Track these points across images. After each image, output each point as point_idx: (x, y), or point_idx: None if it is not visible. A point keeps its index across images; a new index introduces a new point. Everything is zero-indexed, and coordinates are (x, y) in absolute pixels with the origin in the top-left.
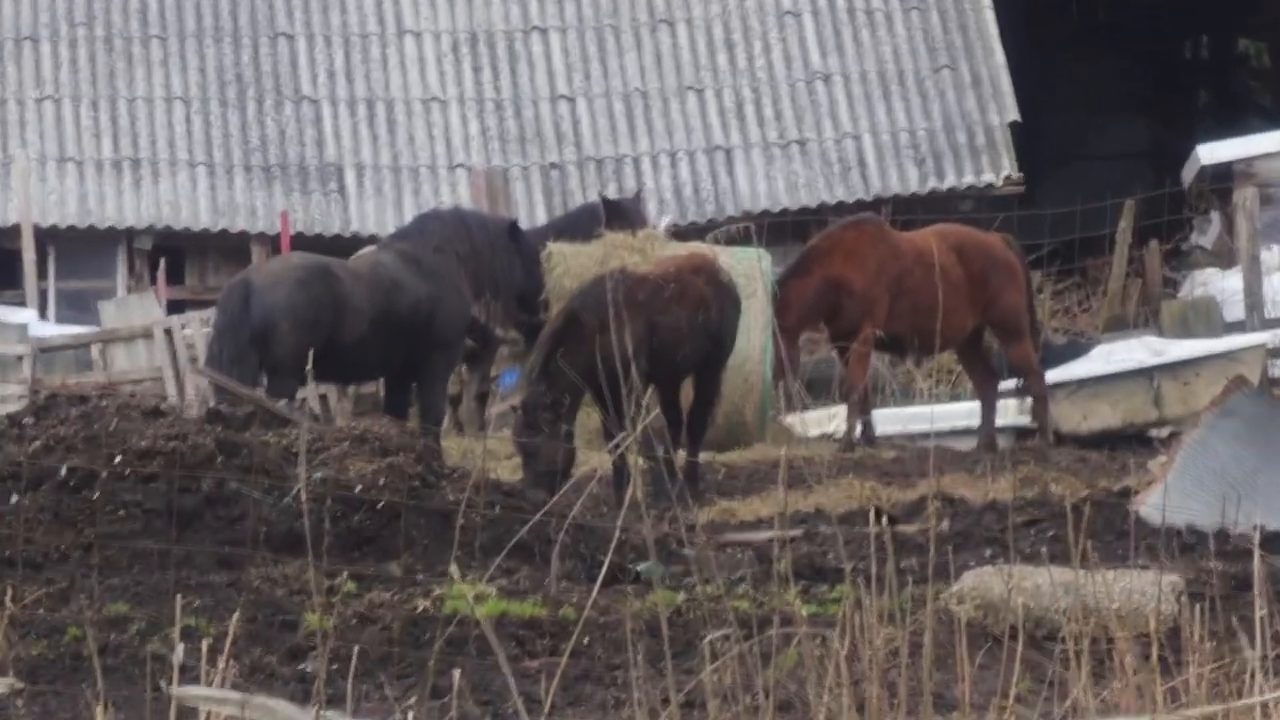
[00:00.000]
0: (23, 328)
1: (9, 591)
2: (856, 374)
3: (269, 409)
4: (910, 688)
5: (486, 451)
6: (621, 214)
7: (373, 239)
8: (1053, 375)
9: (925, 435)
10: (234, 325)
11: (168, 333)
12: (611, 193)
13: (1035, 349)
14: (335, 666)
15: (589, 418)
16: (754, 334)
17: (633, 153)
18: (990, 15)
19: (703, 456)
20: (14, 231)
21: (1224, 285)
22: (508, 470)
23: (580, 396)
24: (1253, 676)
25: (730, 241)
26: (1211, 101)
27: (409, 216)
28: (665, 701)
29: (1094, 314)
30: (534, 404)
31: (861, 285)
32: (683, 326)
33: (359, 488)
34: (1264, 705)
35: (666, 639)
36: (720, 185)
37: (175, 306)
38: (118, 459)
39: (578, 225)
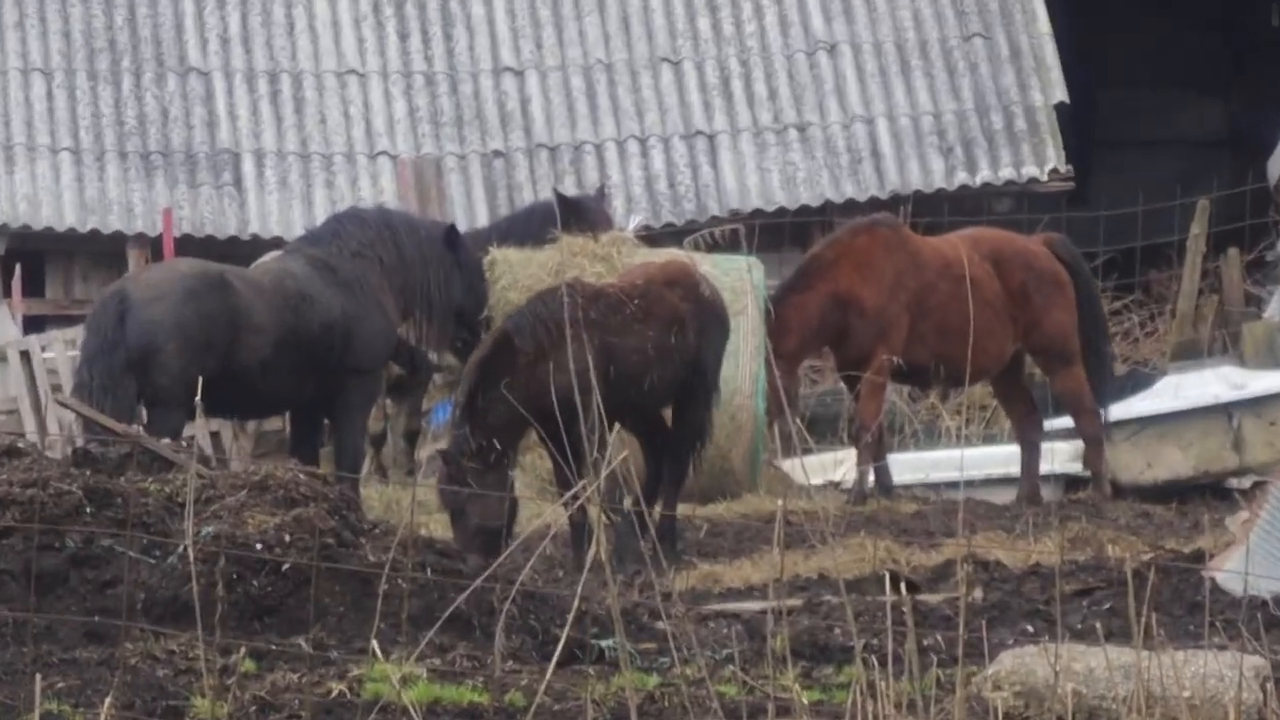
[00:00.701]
0: None
1: None
2: (869, 410)
3: (149, 449)
4: None
5: (416, 502)
6: (580, 214)
7: (277, 242)
8: (1111, 413)
9: (953, 485)
10: (106, 347)
11: (24, 355)
12: (568, 188)
13: (1102, 380)
14: None
15: (540, 460)
16: (743, 361)
17: (594, 139)
18: None
19: (681, 509)
20: None
21: None
22: (441, 525)
23: (516, 439)
24: None
25: (714, 248)
26: None
27: (321, 215)
28: None
29: (1160, 338)
30: (457, 450)
31: (875, 302)
32: (649, 350)
33: (259, 546)
34: None
35: None
36: (702, 179)
37: (34, 323)
38: None
39: (527, 227)
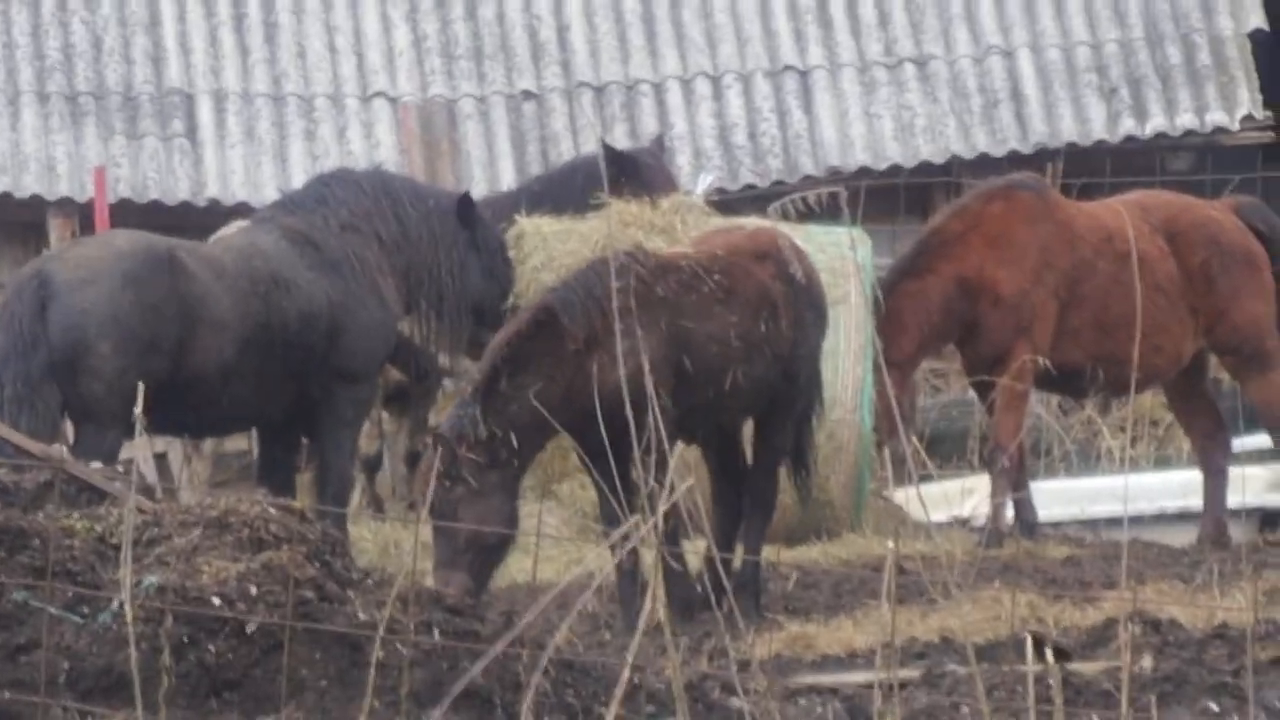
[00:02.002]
0: None
1: None
2: (1007, 426)
3: (75, 476)
4: None
5: (420, 545)
6: (633, 172)
7: (242, 209)
8: None
9: (1115, 522)
10: (22, 346)
11: None
12: (619, 139)
13: None
14: None
15: (582, 491)
16: (845, 364)
17: (653, 76)
18: None
19: (767, 553)
20: None
21: None
22: None
23: (537, 446)
24: None
25: (807, 217)
26: None
27: (299, 175)
28: None
29: None
30: (458, 435)
31: (1014, 288)
32: (731, 340)
33: (217, 601)
34: None
35: None
36: (792, 128)
37: None
38: None
39: (566, 190)
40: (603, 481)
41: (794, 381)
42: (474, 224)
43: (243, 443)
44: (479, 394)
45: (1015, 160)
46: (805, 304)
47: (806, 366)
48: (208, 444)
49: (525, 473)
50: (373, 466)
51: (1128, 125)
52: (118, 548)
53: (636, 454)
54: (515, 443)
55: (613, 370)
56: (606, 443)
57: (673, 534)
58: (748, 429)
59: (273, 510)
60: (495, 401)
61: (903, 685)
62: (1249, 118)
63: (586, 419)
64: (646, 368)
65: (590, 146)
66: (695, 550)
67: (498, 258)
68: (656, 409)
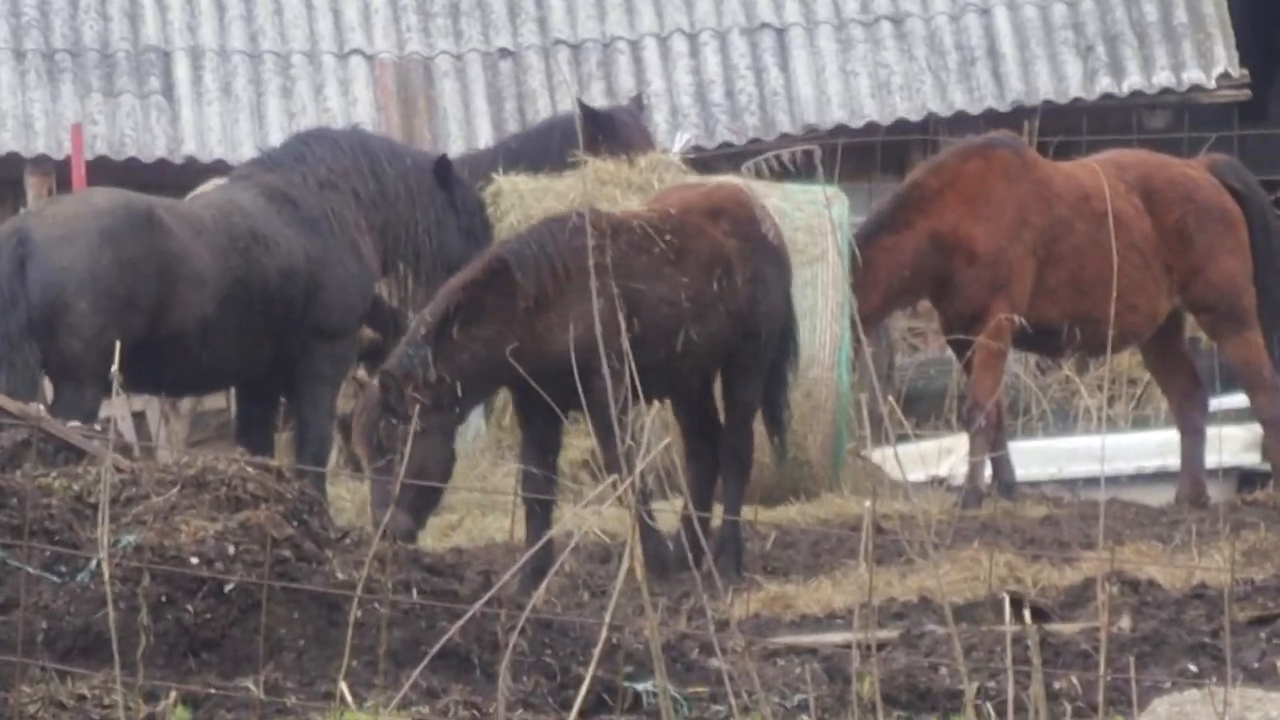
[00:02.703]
0: None
1: None
2: (984, 385)
3: (53, 434)
4: None
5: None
6: (610, 131)
7: (219, 167)
8: None
9: (1093, 482)
10: (0, 304)
11: None
12: (595, 97)
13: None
14: None
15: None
16: (822, 322)
17: (629, 33)
18: None
19: (745, 513)
20: None
21: None
22: (433, 533)
23: (481, 396)
24: None
25: (784, 175)
26: None
27: (275, 132)
28: None
29: None
30: (403, 374)
31: (989, 245)
32: (681, 300)
33: (195, 560)
34: None
35: None
36: (769, 85)
37: None
38: None
39: (543, 148)
40: (529, 443)
41: (755, 338)
42: (451, 184)
43: (220, 401)
44: (431, 337)
45: (992, 118)
46: (765, 259)
47: (770, 322)
48: (185, 403)
49: (463, 420)
50: (349, 427)
51: (1104, 83)
52: (95, 506)
53: (614, 415)
54: (460, 390)
55: (562, 332)
56: (549, 403)
57: (643, 494)
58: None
59: (250, 469)
60: (446, 347)
61: (881, 645)
62: (1225, 75)
63: (532, 377)
64: (598, 331)
65: (567, 105)
66: (673, 509)
67: (476, 218)
68: (633, 369)
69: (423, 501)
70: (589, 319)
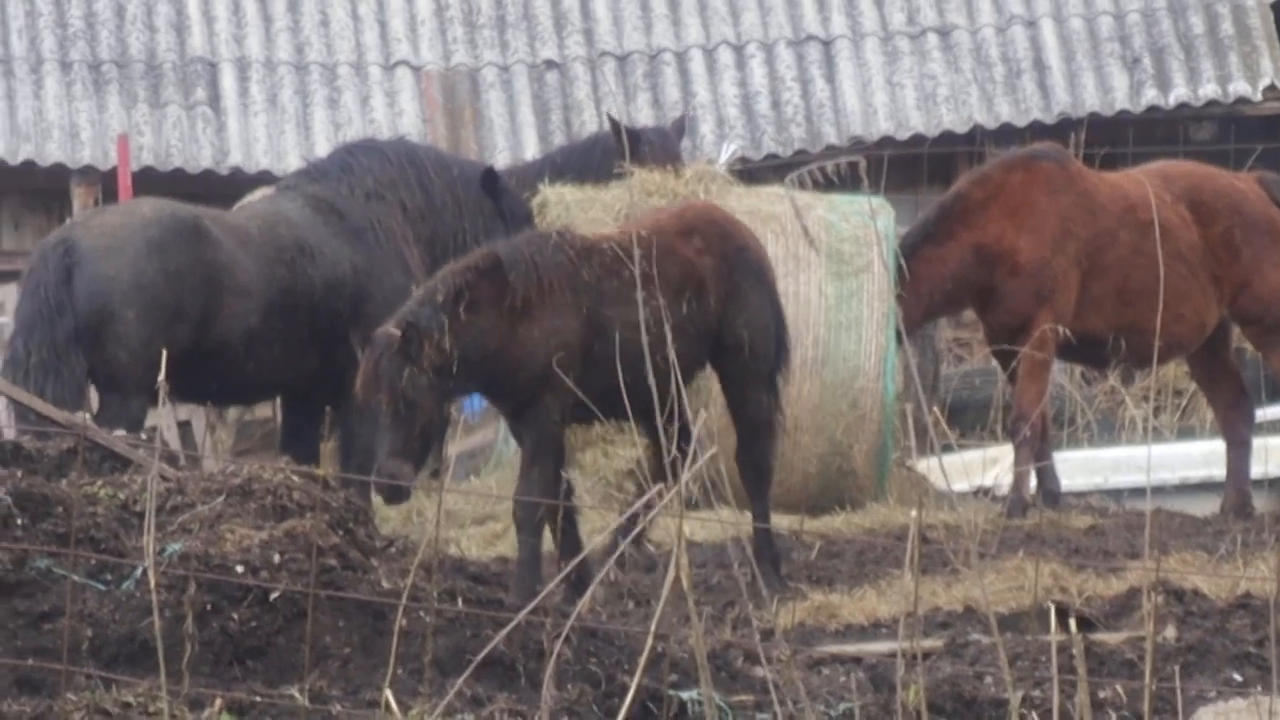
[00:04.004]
0: None
1: None
2: (1029, 396)
3: (99, 443)
4: None
5: (444, 513)
6: (634, 149)
7: (264, 178)
8: None
9: (1139, 492)
10: (47, 313)
11: None
12: (642, 108)
13: None
14: None
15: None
16: (867, 332)
17: (675, 45)
18: None
19: (787, 522)
20: None
21: None
22: (478, 542)
23: (463, 388)
24: None
25: (829, 187)
26: None
27: (321, 144)
28: None
29: None
30: (424, 331)
31: (1034, 256)
32: (652, 325)
33: (240, 568)
34: None
35: None
36: (815, 97)
37: None
38: None
39: (588, 162)
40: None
41: (739, 351)
42: (499, 194)
43: (267, 411)
44: (449, 304)
45: (1038, 130)
46: (742, 273)
47: (754, 333)
48: (231, 412)
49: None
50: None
51: (1150, 95)
52: (141, 515)
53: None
54: (455, 370)
55: (540, 344)
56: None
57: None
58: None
59: (296, 478)
60: (456, 322)
61: (926, 655)
62: (1271, 88)
63: (508, 380)
64: (551, 346)
65: (614, 116)
66: (719, 519)
67: (524, 227)
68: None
69: (412, 453)
70: (563, 335)
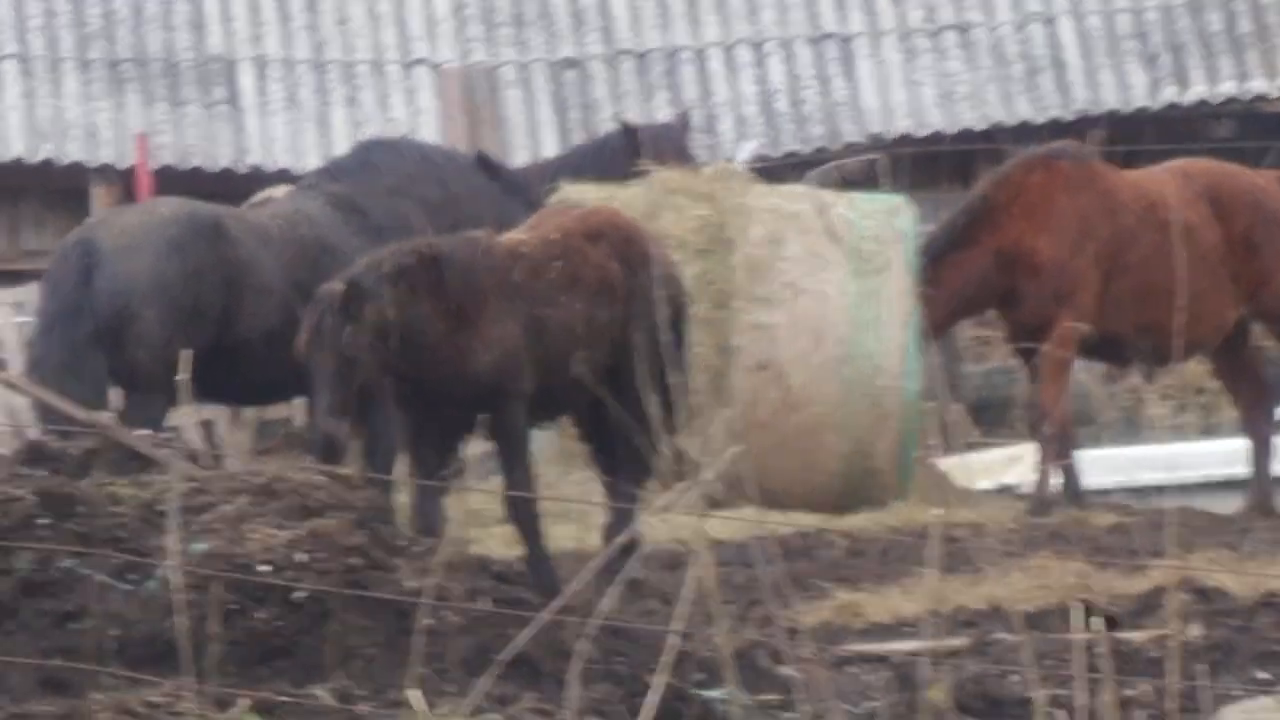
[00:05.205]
0: None
1: None
2: (1051, 394)
3: (121, 443)
4: None
5: (467, 511)
6: (650, 148)
7: (283, 176)
8: None
9: (1162, 490)
10: (67, 312)
11: None
12: (661, 106)
13: None
14: None
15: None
16: (888, 331)
17: (694, 43)
18: None
19: (813, 521)
20: None
21: None
22: (501, 541)
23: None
24: None
25: (849, 185)
26: None
27: (340, 141)
28: None
29: None
30: (367, 290)
31: (1055, 256)
32: (578, 328)
33: (265, 568)
34: None
35: None
36: (834, 95)
37: None
38: None
39: (607, 160)
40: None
41: (628, 369)
42: (496, 173)
43: (284, 411)
44: (393, 276)
45: (1057, 127)
46: (648, 280)
47: (653, 343)
48: (249, 412)
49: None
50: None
51: (1169, 92)
52: (165, 514)
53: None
54: (393, 341)
55: (481, 352)
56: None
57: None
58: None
59: (319, 478)
60: (398, 295)
61: (951, 653)
62: None
63: (441, 396)
64: (496, 356)
65: (633, 114)
66: (742, 518)
67: (532, 191)
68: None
69: (350, 412)
70: (506, 342)
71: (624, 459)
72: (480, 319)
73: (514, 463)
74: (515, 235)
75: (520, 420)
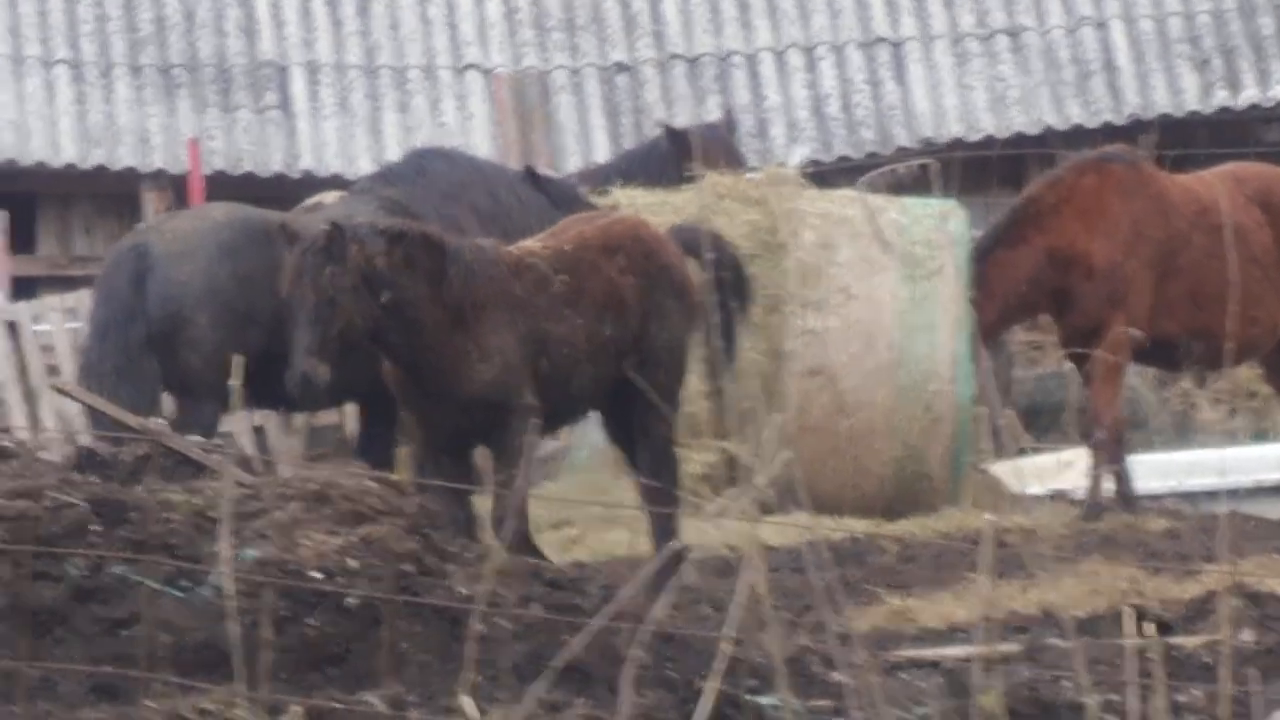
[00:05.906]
0: None
1: None
2: (1104, 399)
3: (173, 449)
4: None
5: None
6: (699, 151)
7: (335, 181)
8: None
9: (1214, 495)
10: (120, 318)
11: (11, 328)
12: (712, 110)
13: None
14: None
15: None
16: (941, 336)
17: (745, 48)
18: None
19: (863, 526)
20: None
21: None
22: (554, 547)
23: (378, 355)
24: None
25: (900, 189)
26: None
27: (392, 146)
28: None
29: None
30: (352, 235)
31: (1107, 259)
32: (579, 342)
33: (317, 574)
34: None
35: None
36: (885, 100)
37: (23, 287)
38: None
39: (656, 165)
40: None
41: (655, 368)
42: (544, 185)
43: (335, 417)
44: (389, 237)
45: (1109, 131)
46: (665, 292)
47: (670, 353)
48: (299, 418)
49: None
50: None
51: (1221, 96)
52: (216, 521)
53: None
54: (370, 316)
55: (480, 362)
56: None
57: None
58: None
59: (372, 484)
60: (391, 256)
61: (1003, 659)
62: None
63: (442, 404)
64: (493, 370)
65: (684, 119)
66: (794, 524)
67: (577, 204)
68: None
69: (330, 355)
70: (505, 354)
71: (647, 467)
72: (479, 327)
73: (510, 474)
74: (528, 245)
75: (520, 434)
